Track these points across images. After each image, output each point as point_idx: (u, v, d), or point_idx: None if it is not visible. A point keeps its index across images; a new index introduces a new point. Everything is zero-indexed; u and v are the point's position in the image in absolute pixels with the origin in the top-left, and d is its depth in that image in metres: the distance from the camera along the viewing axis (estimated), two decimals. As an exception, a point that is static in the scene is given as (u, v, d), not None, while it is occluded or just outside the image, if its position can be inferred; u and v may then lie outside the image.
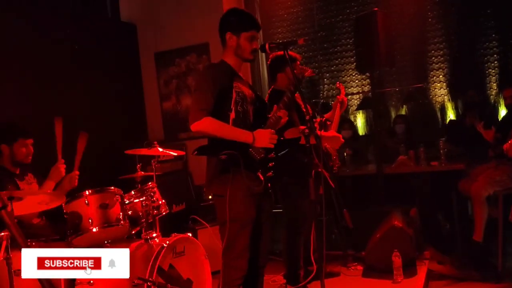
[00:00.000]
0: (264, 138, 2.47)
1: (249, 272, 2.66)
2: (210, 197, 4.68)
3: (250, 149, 2.48)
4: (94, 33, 5.07)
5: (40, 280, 1.00)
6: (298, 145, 3.20)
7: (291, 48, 2.64)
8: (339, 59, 6.06)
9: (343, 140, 3.45)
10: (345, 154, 5.17)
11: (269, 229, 2.73)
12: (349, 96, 5.93)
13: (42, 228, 3.25)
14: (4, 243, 2.44)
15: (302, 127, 3.06)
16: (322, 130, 3.56)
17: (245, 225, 2.50)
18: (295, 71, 3.47)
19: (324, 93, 6.18)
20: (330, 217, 4.49)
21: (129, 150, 3.61)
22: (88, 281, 2.85)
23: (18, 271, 2.69)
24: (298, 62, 3.47)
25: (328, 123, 3.71)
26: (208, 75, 2.55)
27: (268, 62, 3.66)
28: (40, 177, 3.43)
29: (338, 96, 3.85)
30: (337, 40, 6.03)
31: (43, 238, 3.03)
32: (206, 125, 2.43)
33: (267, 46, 2.56)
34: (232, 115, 2.51)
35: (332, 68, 6.11)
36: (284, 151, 2.62)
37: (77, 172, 3.30)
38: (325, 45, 6.10)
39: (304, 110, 3.49)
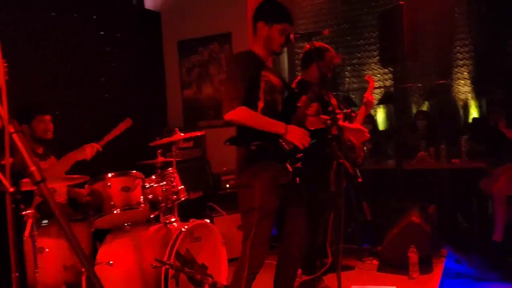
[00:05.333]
0: (296, 135, 2.46)
1: (281, 261, 2.72)
2: (227, 185, 4.71)
3: (280, 140, 2.48)
4: (119, 20, 5.12)
5: (76, 252, 1.02)
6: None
7: (314, 39, 2.62)
8: (362, 53, 6.01)
9: (368, 135, 3.44)
10: (364, 148, 5.14)
11: (302, 221, 2.71)
12: (371, 90, 5.88)
13: (65, 207, 3.32)
14: (30, 221, 2.51)
15: (325, 117, 3.07)
16: (347, 122, 3.55)
17: (266, 215, 2.50)
18: (328, 59, 3.49)
19: (346, 86, 6.15)
20: (347, 211, 4.47)
21: (152, 143, 3.62)
22: (108, 262, 2.92)
23: (42, 249, 2.79)
24: (332, 52, 3.48)
25: (353, 114, 3.69)
26: (238, 64, 2.58)
27: (305, 50, 3.65)
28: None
29: (365, 94, 3.77)
30: (360, 33, 5.98)
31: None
32: (240, 114, 2.43)
33: (291, 36, 2.55)
34: (261, 104, 2.51)
35: (354, 61, 6.07)
36: (313, 141, 2.60)
37: (98, 147, 3.26)
38: (347, 38, 6.05)
39: (328, 100, 3.52)
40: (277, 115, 2.55)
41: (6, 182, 0.96)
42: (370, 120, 5.66)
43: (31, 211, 2.49)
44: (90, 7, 4.77)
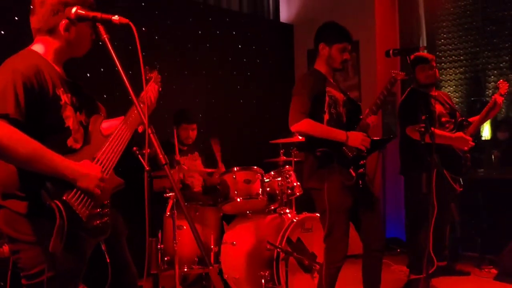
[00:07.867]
0: (356, 139, 2.74)
1: (364, 255, 2.97)
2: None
3: (344, 147, 2.76)
4: (256, 34, 5.75)
5: (193, 231, 1.42)
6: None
7: (413, 53, 2.82)
8: (510, 55, 5.68)
9: (472, 143, 3.50)
10: (492, 156, 5.01)
11: (375, 217, 2.94)
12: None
13: (201, 194, 3.99)
14: (171, 201, 3.17)
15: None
16: (454, 131, 3.62)
17: (341, 213, 2.77)
18: (422, 73, 3.61)
19: (490, 91, 5.87)
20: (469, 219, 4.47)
21: (273, 140, 4.14)
22: (232, 242, 3.48)
23: (181, 226, 3.45)
24: (433, 64, 3.58)
25: (465, 123, 3.75)
26: (304, 81, 2.90)
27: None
28: (204, 157, 4.18)
29: (493, 96, 3.77)
30: (509, 34, 5.66)
31: (201, 202, 3.77)
32: (306, 126, 2.74)
33: (390, 52, 2.83)
34: (326, 116, 2.81)
35: (501, 65, 5.75)
36: (373, 152, 2.87)
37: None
38: (494, 40, 5.74)
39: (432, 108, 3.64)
40: (342, 126, 2.82)
41: (145, 163, 1.48)
42: (507, 127, 5.40)
43: (172, 194, 3.16)
44: (230, 24, 5.46)
